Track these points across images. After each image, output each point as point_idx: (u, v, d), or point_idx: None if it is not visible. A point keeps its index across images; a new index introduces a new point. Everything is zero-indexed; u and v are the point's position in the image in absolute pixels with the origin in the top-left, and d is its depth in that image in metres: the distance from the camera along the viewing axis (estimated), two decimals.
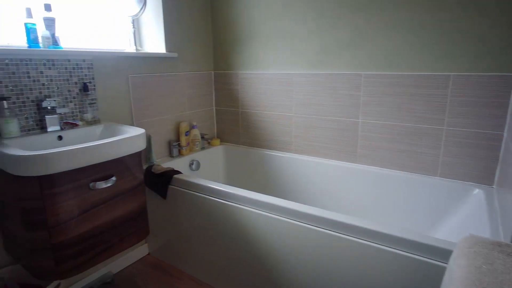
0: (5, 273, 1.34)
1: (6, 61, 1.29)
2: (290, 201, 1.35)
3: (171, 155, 2.06)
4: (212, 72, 2.33)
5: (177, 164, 1.99)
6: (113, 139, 1.24)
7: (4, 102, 1.25)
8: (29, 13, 1.39)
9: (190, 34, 2.10)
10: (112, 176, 1.26)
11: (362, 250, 1.15)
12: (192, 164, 2.10)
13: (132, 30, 1.86)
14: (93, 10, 1.75)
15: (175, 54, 1.96)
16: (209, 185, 1.55)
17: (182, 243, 1.75)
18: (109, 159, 1.23)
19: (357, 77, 1.76)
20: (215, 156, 2.30)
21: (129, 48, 1.87)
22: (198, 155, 2.15)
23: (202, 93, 2.27)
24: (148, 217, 1.48)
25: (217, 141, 2.35)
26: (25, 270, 1.31)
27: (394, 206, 1.75)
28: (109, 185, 1.24)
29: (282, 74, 2.01)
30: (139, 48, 1.92)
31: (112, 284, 1.72)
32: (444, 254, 1.01)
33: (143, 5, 1.82)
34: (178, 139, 2.09)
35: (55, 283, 1.31)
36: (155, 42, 1.96)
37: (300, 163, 2.04)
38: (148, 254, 1.98)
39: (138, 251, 1.92)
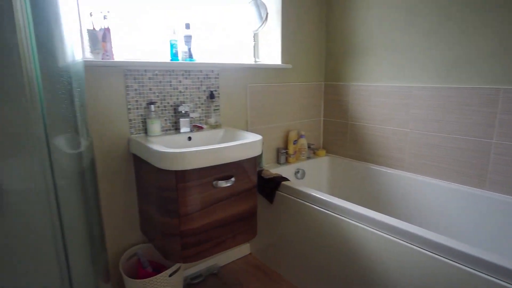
0: (140, 248, 1.59)
1: (156, 72, 1.54)
2: (402, 221, 1.25)
3: (278, 162, 2.13)
4: (323, 83, 2.34)
5: (283, 171, 2.05)
6: (235, 143, 1.36)
7: (152, 106, 1.49)
8: (174, 32, 1.64)
9: (304, 46, 2.16)
10: (231, 177, 1.37)
11: None
12: (298, 172, 2.14)
13: (252, 43, 2.01)
14: (220, 26, 1.95)
15: (289, 66, 2.04)
16: (316, 195, 1.55)
17: (283, 248, 1.79)
18: (231, 161, 1.35)
19: (494, 92, 1.53)
20: (320, 166, 2.30)
21: (249, 60, 2.02)
22: (304, 164, 2.18)
23: (311, 104, 2.30)
24: (256, 219, 1.56)
25: (323, 152, 2.34)
26: (156, 250, 1.52)
27: None
28: (228, 185, 1.36)
29: (400, 87, 1.89)
30: (257, 59, 2.06)
31: (218, 276, 1.87)
32: None
33: (264, 20, 1.96)
34: (286, 147, 2.16)
35: (177, 265, 1.48)
36: (272, 54, 2.07)
37: (412, 182, 1.87)
38: (250, 253, 2.08)
39: (241, 249, 2.04)
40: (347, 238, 1.41)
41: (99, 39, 1.46)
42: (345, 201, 1.46)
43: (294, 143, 2.14)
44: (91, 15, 1.46)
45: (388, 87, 1.95)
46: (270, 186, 1.78)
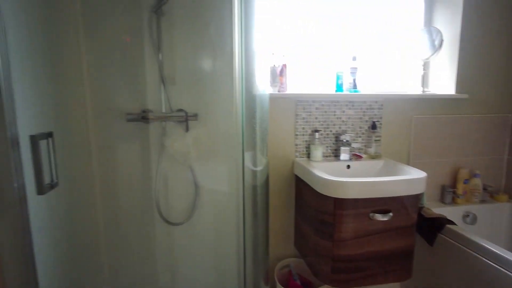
0: (292, 262, 1.74)
1: (322, 103, 1.69)
2: None
3: (442, 201, 1.92)
4: (510, 115, 1.98)
5: (448, 212, 1.84)
6: (396, 178, 1.34)
7: (316, 133, 1.64)
8: (340, 65, 1.76)
9: (485, 73, 1.89)
10: (389, 212, 1.35)
11: None
12: (468, 216, 1.86)
13: (421, 72, 1.91)
14: (385, 55, 1.95)
15: (465, 95, 1.83)
16: (492, 248, 1.33)
17: None
18: (390, 195, 1.33)
19: None
20: (498, 213, 1.93)
21: (416, 89, 1.93)
22: (476, 208, 1.88)
23: (492, 139, 1.97)
24: (413, 260, 1.47)
25: (504, 197, 1.96)
26: (306, 266, 1.64)
27: None
28: (385, 219, 1.35)
29: None
30: (425, 89, 1.94)
31: None
32: None
33: (437, 48, 1.84)
34: (454, 185, 1.93)
35: (325, 286, 1.55)
36: (443, 83, 1.92)
37: None
38: None
39: (390, 286, 1.93)
40: None
41: (277, 74, 1.72)
42: None
43: (464, 182, 1.88)
44: (273, 54, 1.75)
45: None
46: (432, 227, 1.63)
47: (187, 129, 1.41)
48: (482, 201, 1.94)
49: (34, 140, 0.83)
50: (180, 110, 1.42)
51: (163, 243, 1.52)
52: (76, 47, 1.30)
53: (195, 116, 1.42)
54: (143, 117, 1.38)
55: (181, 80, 1.43)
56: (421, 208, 1.75)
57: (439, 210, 1.82)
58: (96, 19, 1.33)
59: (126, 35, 1.37)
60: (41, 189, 0.87)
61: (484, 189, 1.93)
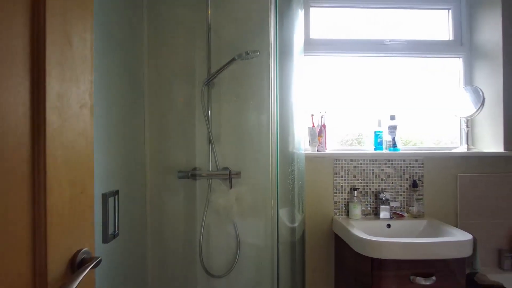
0: None
1: (360, 161, 1.74)
2: None
3: (500, 266, 1.77)
4: None
5: (508, 280, 1.68)
6: (437, 240, 1.31)
7: (355, 191, 1.68)
8: (379, 124, 1.82)
9: None
10: (432, 275, 1.30)
11: None
12: None
13: (465, 130, 1.90)
14: (423, 114, 1.98)
15: None
16: None
17: None
18: (432, 258, 1.30)
19: None
20: None
21: (460, 147, 1.90)
22: None
23: None
24: None
25: None
26: None
27: None
28: (428, 283, 1.29)
29: None
30: (471, 147, 1.90)
31: None
32: None
33: (480, 106, 1.83)
34: None
35: None
36: (489, 140, 1.87)
37: None
38: None
39: None
40: None
41: (317, 133, 1.84)
42: None
43: None
44: (312, 116, 1.88)
45: None
46: None
47: (230, 186, 1.54)
48: None
49: (104, 198, 1.01)
50: (225, 168, 1.57)
51: None
52: (141, 114, 1.56)
53: (238, 174, 1.55)
54: (192, 174, 1.55)
55: (226, 141, 1.61)
56: (474, 273, 1.63)
57: (496, 276, 1.67)
58: (159, 89, 1.60)
59: (183, 103, 1.61)
60: (106, 239, 1.03)
61: None
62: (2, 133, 0.37)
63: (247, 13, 1.68)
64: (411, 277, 1.31)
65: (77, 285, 0.45)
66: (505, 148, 1.80)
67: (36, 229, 0.43)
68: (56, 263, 0.46)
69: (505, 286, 1.52)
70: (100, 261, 0.52)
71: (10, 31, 0.38)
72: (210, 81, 1.58)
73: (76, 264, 0.50)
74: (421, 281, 1.30)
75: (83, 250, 0.51)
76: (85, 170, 0.53)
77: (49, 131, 0.42)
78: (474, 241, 1.75)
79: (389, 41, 1.96)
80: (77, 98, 0.48)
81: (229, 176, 1.53)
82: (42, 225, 0.44)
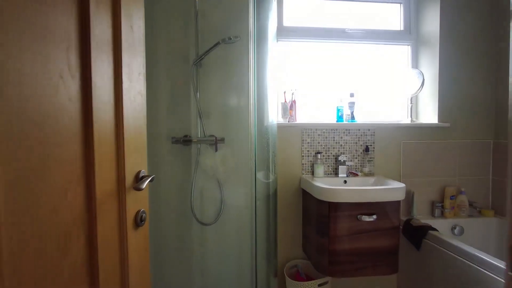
0: (299, 262, 2.08)
1: (324, 130, 2.11)
2: None
3: (432, 215, 2.22)
4: (491, 141, 2.29)
5: (437, 224, 2.12)
6: (378, 187, 1.70)
7: (319, 155, 2.05)
8: (340, 100, 2.18)
9: (467, 104, 2.25)
10: (373, 214, 1.70)
11: None
12: (455, 228, 2.14)
13: (409, 105, 2.30)
14: (377, 92, 2.36)
15: (447, 124, 2.19)
16: (468, 250, 1.60)
17: None
18: (373, 201, 1.69)
19: None
20: (484, 227, 2.19)
21: (405, 119, 2.31)
22: (463, 221, 2.16)
23: (475, 162, 2.28)
24: (398, 257, 1.77)
25: (491, 212, 2.22)
26: (311, 265, 1.97)
27: None
28: (371, 220, 1.69)
29: None
30: (414, 119, 2.31)
31: None
32: None
33: (420, 86, 2.23)
34: (442, 201, 2.23)
35: (326, 278, 1.87)
36: (429, 113, 2.28)
37: None
38: None
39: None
40: None
41: (288, 108, 2.17)
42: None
43: (451, 198, 2.18)
44: (284, 92, 2.21)
45: None
46: (418, 234, 1.93)
47: (216, 149, 1.86)
48: (470, 216, 2.21)
49: None
50: (211, 135, 1.88)
51: (196, 239, 1.93)
52: None
53: (222, 139, 1.87)
54: (184, 140, 1.85)
55: (212, 113, 1.91)
56: (411, 219, 2.07)
57: (429, 221, 2.11)
58: (158, 69, 1.86)
59: (177, 80, 1.89)
60: None
61: (470, 204, 2.21)
62: (102, 88, 0.66)
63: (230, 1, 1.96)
64: (358, 216, 1.70)
65: (141, 190, 0.75)
66: (439, 120, 2.22)
67: (119, 155, 0.72)
68: (129, 175, 0.75)
69: (433, 226, 1.96)
70: (154, 178, 0.81)
71: (107, 24, 0.67)
72: (198, 61, 1.86)
73: (139, 178, 0.80)
74: (366, 218, 1.69)
75: (142, 170, 0.81)
76: (141, 118, 0.82)
77: (124, 88, 0.71)
78: (412, 194, 2.18)
79: (350, 30, 2.30)
80: (137, 68, 0.77)
81: (215, 141, 1.85)
82: (122, 152, 0.73)
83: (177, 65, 1.89)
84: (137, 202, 0.78)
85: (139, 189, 0.74)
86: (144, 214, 0.80)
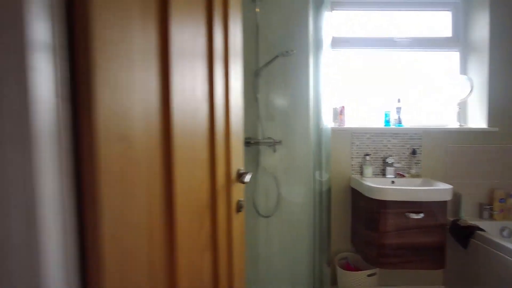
0: (349, 255, 2.25)
1: (372, 134, 2.27)
2: None
3: (480, 217, 2.28)
4: None
5: (485, 225, 2.18)
6: (425, 188, 1.84)
7: (367, 156, 2.21)
8: (387, 106, 2.33)
9: None
10: (421, 213, 1.84)
11: None
12: (504, 230, 2.19)
13: (457, 110, 2.38)
14: (424, 97, 2.46)
15: (495, 129, 2.24)
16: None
17: None
18: (420, 200, 1.83)
19: None
20: None
21: (452, 124, 2.39)
22: None
23: None
24: (445, 254, 1.89)
25: None
26: (361, 259, 2.14)
27: None
28: (418, 217, 1.83)
29: None
30: (462, 124, 2.39)
31: None
32: None
33: (469, 92, 2.31)
34: (490, 203, 2.28)
35: (374, 270, 2.03)
36: (476, 118, 2.35)
37: None
38: None
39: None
40: None
41: (338, 112, 2.36)
42: None
43: (500, 201, 2.23)
44: (335, 98, 2.39)
45: None
46: (465, 233, 2.03)
47: (274, 151, 2.09)
48: None
49: None
50: (269, 138, 2.12)
51: (256, 230, 2.18)
52: None
53: (280, 142, 2.10)
54: (246, 141, 2.11)
55: (271, 118, 2.15)
56: (458, 219, 2.16)
57: (476, 223, 2.19)
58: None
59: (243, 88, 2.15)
60: None
61: None
62: (218, 92, 0.91)
63: (287, 16, 2.18)
64: (406, 214, 1.85)
65: (244, 184, 1.00)
66: (488, 124, 2.28)
67: (227, 154, 0.97)
68: (233, 172, 1.00)
69: (480, 227, 2.04)
70: (251, 174, 1.06)
71: (220, 36, 0.92)
72: (257, 72, 2.11)
73: (239, 174, 1.04)
74: (413, 216, 1.83)
75: (241, 169, 1.06)
76: (239, 120, 1.07)
77: (230, 93, 0.96)
78: (459, 196, 2.27)
79: (398, 38, 2.43)
80: (238, 73, 1.02)
81: (273, 143, 2.08)
82: (229, 152, 0.98)
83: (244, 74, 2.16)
84: (237, 193, 1.04)
85: (244, 183, 0.98)
86: (242, 203, 1.05)
